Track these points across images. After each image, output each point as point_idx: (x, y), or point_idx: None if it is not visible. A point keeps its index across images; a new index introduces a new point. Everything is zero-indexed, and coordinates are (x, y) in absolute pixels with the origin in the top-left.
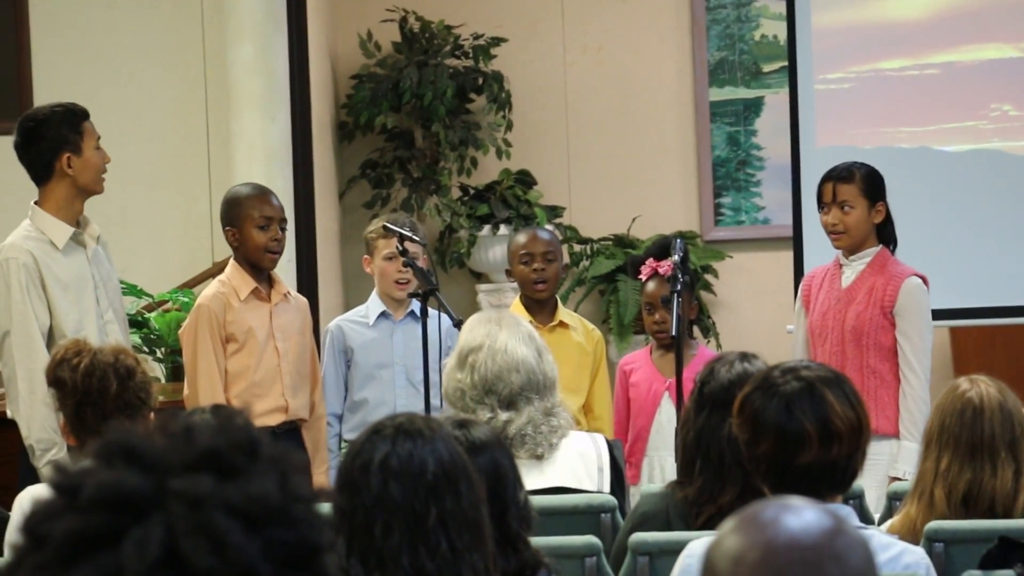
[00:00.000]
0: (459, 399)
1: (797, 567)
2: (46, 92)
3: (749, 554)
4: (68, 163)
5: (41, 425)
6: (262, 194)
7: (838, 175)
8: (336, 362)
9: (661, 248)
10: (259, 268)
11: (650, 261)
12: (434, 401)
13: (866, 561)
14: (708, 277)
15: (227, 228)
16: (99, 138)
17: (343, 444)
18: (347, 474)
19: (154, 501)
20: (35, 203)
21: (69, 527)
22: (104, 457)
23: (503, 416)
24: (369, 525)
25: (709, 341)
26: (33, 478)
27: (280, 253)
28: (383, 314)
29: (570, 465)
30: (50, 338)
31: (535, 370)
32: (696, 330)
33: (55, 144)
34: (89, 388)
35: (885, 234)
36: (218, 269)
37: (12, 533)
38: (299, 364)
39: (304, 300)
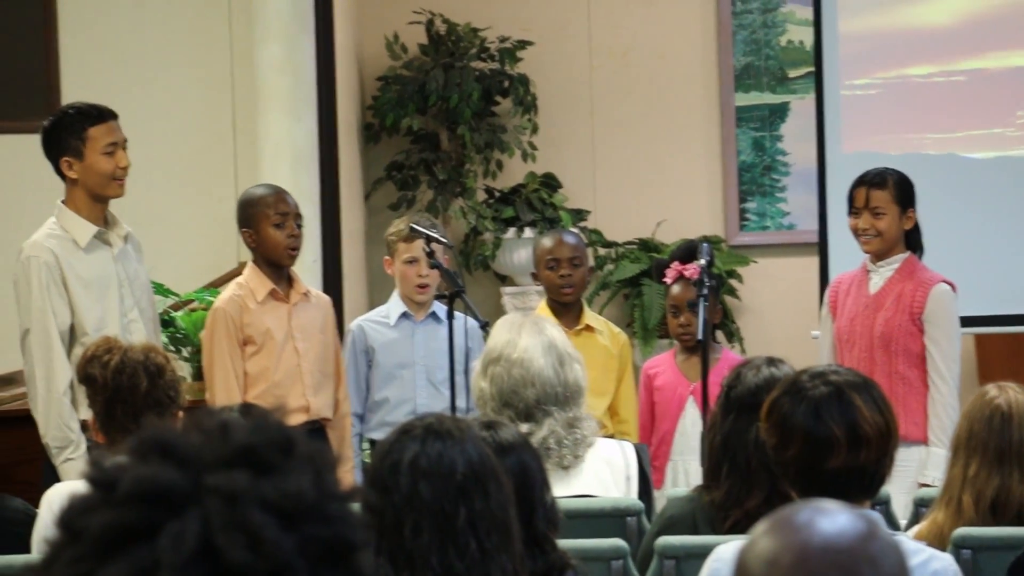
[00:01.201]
0: (483, 407)
1: (832, 571)
2: (73, 91)
3: (783, 557)
4: (70, 167)
5: (57, 423)
6: (276, 193)
7: (871, 180)
8: (357, 362)
9: (686, 251)
10: (278, 267)
11: (675, 264)
12: (459, 402)
13: (899, 565)
14: (732, 282)
15: (244, 230)
16: (116, 142)
17: (364, 443)
18: (376, 473)
19: (190, 496)
20: (61, 201)
21: (105, 521)
22: (140, 452)
23: (523, 428)
24: (399, 524)
25: (733, 346)
26: (57, 476)
27: (298, 249)
28: (404, 314)
29: (597, 474)
30: (72, 336)
31: (552, 382)
32: (720, 334)
33: (57, 148)
34: (119, 385)
35: (912, 241)
36: (243, 269)
37: (40, 530)
38: (321, 363)
39: (326, 298)
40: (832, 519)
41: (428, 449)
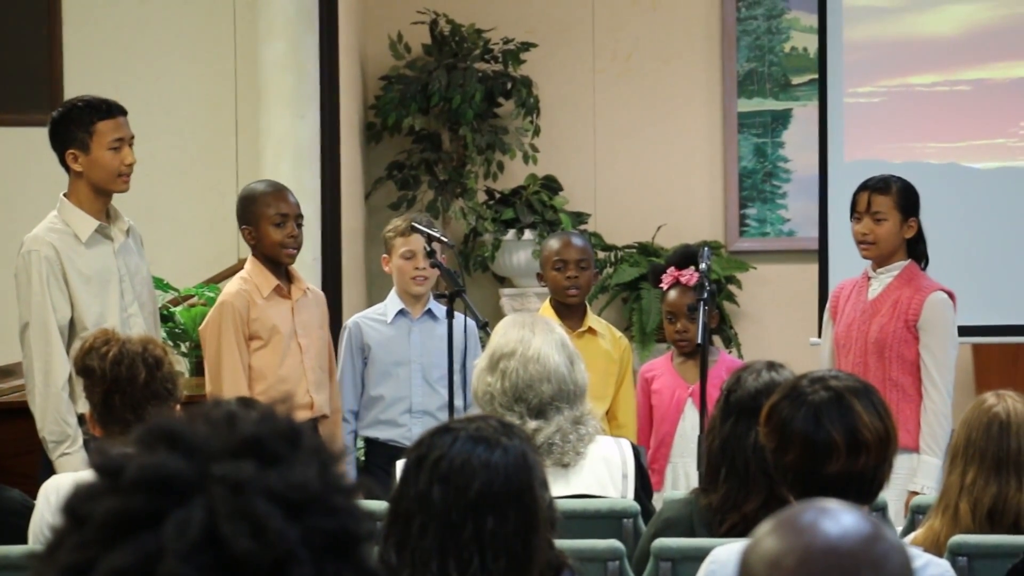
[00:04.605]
0: (488, 403)
1: (834, 573)
2: (77, 85)
3: (786, 558)
4: (75, 159)
5: (54, 418)
6: (277, 191)
7: (874, 185)
8: (353, 359)
9: (682, 257)
10: (278, 264)
11: (671, 270)
12: (456, 401)
13: (904, 568)
14: (731, 288)
15: (243, 227)
16: (123, 138)
17: (358, 441)
18: (406, 463)
19: (196, 485)
20: (64, 195)
21: (110, 508)
22: (146, 441)
23: (532, 424)
24: (409, 519)
25: (731, 351)
26: (54, 468)
27: (297, 249)
28: (401, 312)
29: (595, 473)
30: (71, 331)
31: (566, 379)
32: (717, 340)
33: (63, 140)
34: (118, 376)
35: (916, 251)
36: (243, 265)
37: (37, 522)
38: (321, 360)
39: (321, 294)
40: (836, 520)
41: (454, 453)
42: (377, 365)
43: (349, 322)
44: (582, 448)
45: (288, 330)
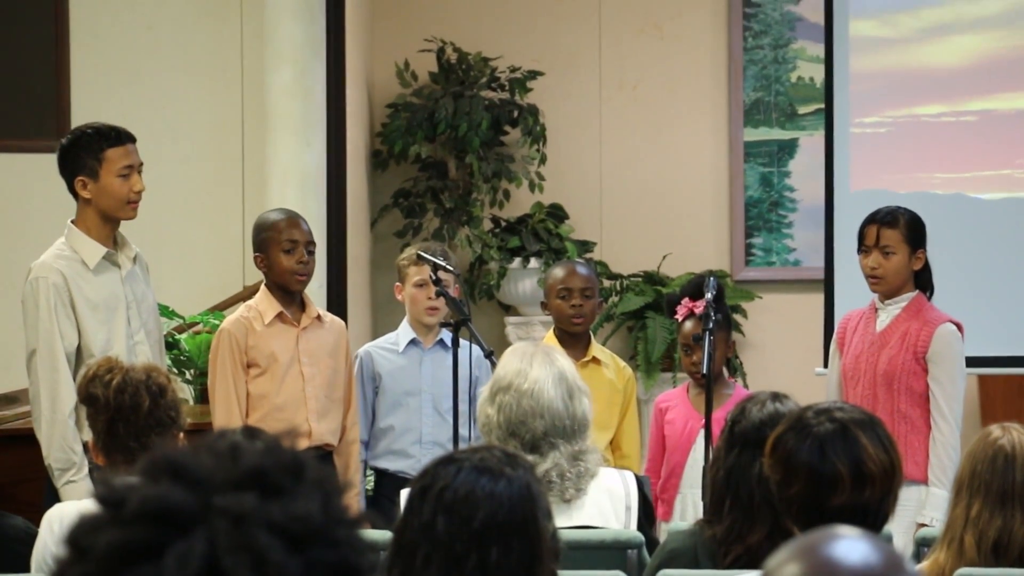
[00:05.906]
0: (487, 435)
1: None
2: (84, 112)
3: None
4: (84, 187)
5: (60, 445)
6: (288, 218)
7: (882, 219)
8: (364, 388)
9: (696, 287)
10: (289, 292)
11: (686, 301)
12: (462, 431)
13: None
14: (737, 317)
15: (256, 255)
16: (132, 165)
17: (368, 471)
18: (410, 493)
19: (198, 516)
20: (71, 221)
21: (112, 539)
22: (150, 472)
23: (528, 459)
24: (413, 549)
25: (736, 381)
26: (59, 496)
27: (308, 276)
28: (412, 341)
29: (598, 505)
30: (78, 358)
31: (561, 415)
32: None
33: (73, 167)
34: (121, 404)
35: (922, 281)
36: (249, 293)
37: (40, 550)
38: (329, 388)
39: (340, 322)
40: (858, 550)
41: (459, 483)
42: (388, 395)
43: (361, 351)
44: (583, 484)
45: (288, 358)
